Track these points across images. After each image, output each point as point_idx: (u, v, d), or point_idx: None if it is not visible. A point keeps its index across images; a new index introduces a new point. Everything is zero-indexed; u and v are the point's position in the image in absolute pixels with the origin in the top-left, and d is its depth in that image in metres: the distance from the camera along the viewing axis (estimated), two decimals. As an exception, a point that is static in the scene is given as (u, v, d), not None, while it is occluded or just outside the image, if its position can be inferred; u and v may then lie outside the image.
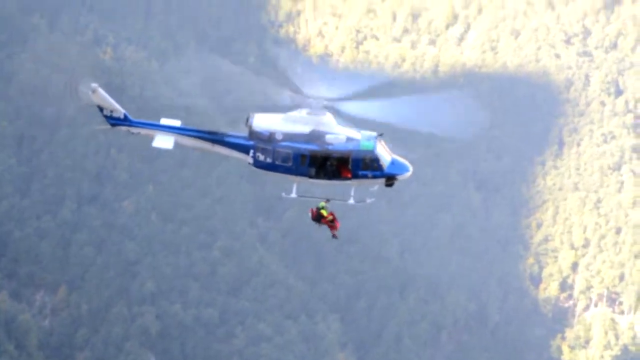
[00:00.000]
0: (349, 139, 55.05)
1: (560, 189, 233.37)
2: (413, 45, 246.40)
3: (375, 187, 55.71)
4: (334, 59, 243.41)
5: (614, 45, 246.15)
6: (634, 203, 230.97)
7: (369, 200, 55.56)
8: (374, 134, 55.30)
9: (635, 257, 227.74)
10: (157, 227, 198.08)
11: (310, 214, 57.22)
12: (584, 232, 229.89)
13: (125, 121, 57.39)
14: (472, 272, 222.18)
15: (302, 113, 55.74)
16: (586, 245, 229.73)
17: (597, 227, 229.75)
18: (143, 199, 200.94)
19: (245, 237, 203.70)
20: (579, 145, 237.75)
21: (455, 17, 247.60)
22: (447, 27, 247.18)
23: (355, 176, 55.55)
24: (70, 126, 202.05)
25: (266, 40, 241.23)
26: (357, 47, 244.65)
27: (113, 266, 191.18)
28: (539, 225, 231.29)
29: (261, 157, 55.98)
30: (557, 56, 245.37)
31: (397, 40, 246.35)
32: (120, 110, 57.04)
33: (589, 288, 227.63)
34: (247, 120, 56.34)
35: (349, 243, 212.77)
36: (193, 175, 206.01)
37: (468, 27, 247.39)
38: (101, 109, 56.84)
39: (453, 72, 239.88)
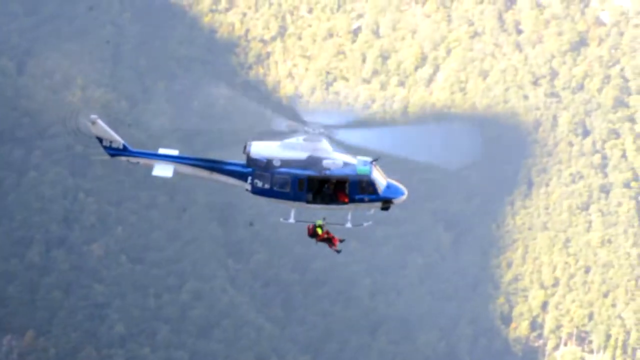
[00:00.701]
0: (345, 164, 56.15)
1: (529, 229, 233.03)
2: (382, 86, 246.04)
3: (372, 211, 56.75)
4: (304, 100, 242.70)
5: (581, 87, 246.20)
6: (603, 242, 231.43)
7: (365, 224, 56.31)
8: (369, 159, 56.47)
9: (604, 296, 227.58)
10: (126, 270, 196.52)
11: (307, 230, 57.75)
12: (554, 271, 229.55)
13: (124, 151, 57.85)
14: (443, 313, 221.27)
15: (298, 140, 56.63)
16: (556, 284, 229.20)
17: (567, 266, 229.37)
18: (112, 241, 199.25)
19: (215, 279, 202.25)
20: (547, 185, 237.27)
21: (424, 58, 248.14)
22: (416, 68, 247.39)
23: (352, 200, 56.28)
24: (38, 169, 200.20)
25: (235, 83, 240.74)
26: (327, 89, 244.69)
27: (81, 309, 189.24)
28: (509, 265, 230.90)
29: (259, 184, 56.60)
30: (526, 97, 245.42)
31: (367, 81, 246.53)
32: (119, 141, 57.61)
33: (558, 327, 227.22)
34: (245, 147, 57.12)
35: (319, 284, 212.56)
36: (163, 217, 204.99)
37: (437, 68, 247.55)
38: (100, 140, 57.43)
39: (423, 112, 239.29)
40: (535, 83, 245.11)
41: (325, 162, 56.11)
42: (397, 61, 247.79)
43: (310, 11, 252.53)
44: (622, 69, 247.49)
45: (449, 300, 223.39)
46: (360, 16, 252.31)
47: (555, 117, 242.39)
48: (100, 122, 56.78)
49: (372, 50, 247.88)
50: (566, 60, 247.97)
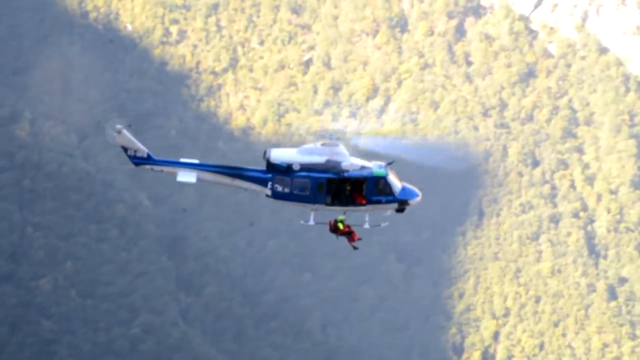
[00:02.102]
0: (362, 167, 57.64)
1: (480, 259, 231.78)
2: (334, 118, 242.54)
3: (388, 213, 58.16)
4: (256, 131, 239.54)
5: (530, 117, 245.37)
6: (553, 272, 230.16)
7: (383, 224, 57.66)
8: (384, 162, 58.07)
9: (555, 325, 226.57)
10: (76, 304, 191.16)
11: (328, 226, 58.86)
12: (505, 301, 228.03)
13: (148, 160, 58.62)
14: (395, 344, 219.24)
15: (316, 145, 57.92)
16: (507, 314, 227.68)
17: (517, 296, 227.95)
18: (61, 276, 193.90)
19: (165, 312, 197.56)
20: (498, 215, 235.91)
21: (376, 89, 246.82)
22: (368, 100, 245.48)
23: (370, 202, 57.60)
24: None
25: (187, 114, 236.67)
26: (278, 120, 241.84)
27: (29, 346, 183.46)
28: (460, 295, 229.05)
29: (279, 188, 57.61)
30: (476, 128, 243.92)
31: (319, 112, 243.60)
32: (143, 150, 58.31)
33: (510, 357, 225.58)
34: (265, 154, 58.14)
35: (271, 317, 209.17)
36: (112, 250, 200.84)
37: (388, 99, 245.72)
38: (125, 149, 58.08)
39: (374, 144, 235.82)
40: (485, 114, 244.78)
41: (343, 165, 57.46)
42: (349, 92, 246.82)
43: (261, 43, 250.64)
44: (570, 100, 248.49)
45: (401, 331, 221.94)
46: (311, 48, 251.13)
47: (505, 148, 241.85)
48: (125, 131, 57.31)
49: (324, 82, 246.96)
50: (515, 91, 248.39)
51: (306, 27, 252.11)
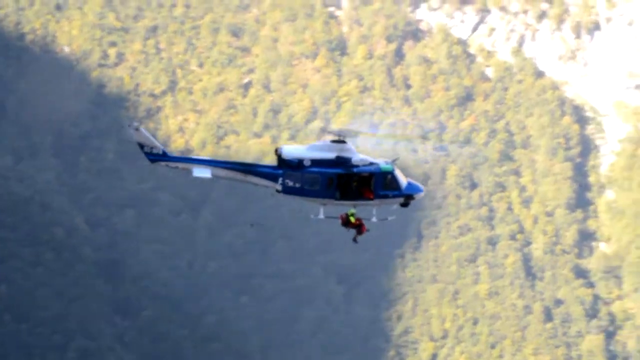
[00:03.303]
0: (370, 163, 59.13)
1: (419, 281, 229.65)
2: (274, 140, 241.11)
3: (394, 207, 59.83)
4: (195, 154, 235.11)
5: (468, 140, 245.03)
6: (490, 294, 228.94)
7: (390, 218, 59.33)
8: (389, 160, 59.70)
9: (492, 347, 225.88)
10: (10, 329, 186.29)
11: (340, 220, 59.73)
12: (443, 323, 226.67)
13: (164, 157, 59.61)
14: None
15: (326, 142, 59.45)
16: (445, 336, 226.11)
17: (455, 318, 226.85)
18: None
19: (102, 337, 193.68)
20: (436, 237, 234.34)
21: (315, 112, 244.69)
22: (307, 122, 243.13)
23: (377, 196, 59.11)
24: None
25: (125, 137, 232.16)
26: (217, 143, 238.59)
27: None
28: (399, 318, 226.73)
29: (290, 183, 58.91)
30: (414, 151, 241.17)
31: (258, 135, 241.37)
32: (159, 147, 59.39)
33: None
34: (277, 151, 59.14)
35: (210, 340, 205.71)
36: (48, 274, 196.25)
37: (328, 122, 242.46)
38: (142, 146, 59.36)
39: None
40: (424, 137, 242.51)
41: (354, 160, 58.76)
42: (288, 115, 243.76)
43: (200, 65, 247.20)
44: (507, 123, 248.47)
45: (341, 353, 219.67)
46: (250, 71, 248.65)
47: (443, 171, 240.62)
48: (142, 129, 59.00)
49: (263, 104, 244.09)
50: (453, 114, 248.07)
51: (246, 50, 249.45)
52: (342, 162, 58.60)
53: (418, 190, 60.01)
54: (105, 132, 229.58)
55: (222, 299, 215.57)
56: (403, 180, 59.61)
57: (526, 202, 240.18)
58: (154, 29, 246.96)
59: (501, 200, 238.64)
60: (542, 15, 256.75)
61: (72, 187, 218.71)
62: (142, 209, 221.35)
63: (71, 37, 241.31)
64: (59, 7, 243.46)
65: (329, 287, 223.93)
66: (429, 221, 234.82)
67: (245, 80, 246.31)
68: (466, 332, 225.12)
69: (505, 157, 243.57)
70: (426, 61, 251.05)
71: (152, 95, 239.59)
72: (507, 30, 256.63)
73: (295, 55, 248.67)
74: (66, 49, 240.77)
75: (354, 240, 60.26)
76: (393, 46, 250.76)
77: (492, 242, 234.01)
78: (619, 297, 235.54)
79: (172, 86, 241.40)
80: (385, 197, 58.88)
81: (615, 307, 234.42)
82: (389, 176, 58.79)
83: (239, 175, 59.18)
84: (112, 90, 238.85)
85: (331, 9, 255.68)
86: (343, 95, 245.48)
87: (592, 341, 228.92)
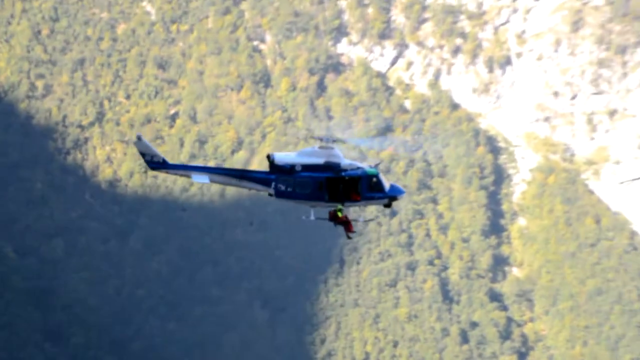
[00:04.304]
0: (357, 167, 61.99)
1: (341, 306, 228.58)
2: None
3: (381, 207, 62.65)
4: (123, 184, 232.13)
5: (388, 170, 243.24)
6: (409, 317, 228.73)
7: (375, 219, 57.15)
8: (373, 164, 62.61)
9: None
10: None
11: (328, 215, 61.72)
12: (364, 346, 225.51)
13: (164, 165, 61.10)
14: None
15: (314, 148, 61.78)
16: (366, 359, 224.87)
17: (376, 341, 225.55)
18: None
19: None
20: (358, 263, 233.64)
21: (240, 142, 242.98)
22: (233, 152, 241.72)
23: (364, 198, 61.89)
24: None
25: (54, 167, 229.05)
26: (145, 172, 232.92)
27: None
28: (322, 341, 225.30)
29: (282, 187, 60.57)
30: None
31: None
32: (159, 156, 60.90)
33: None
34: (269, 157, 61.05)
35: None
36: None
37: (253, 152, 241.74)
38: (143, 155, 60.71)
39: (239, 195, 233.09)
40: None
41: (341, 165, 61.63)
42: (214, 145, 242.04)
43: (128, 97, 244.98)
44: (424, 153, 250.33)
45: None
46: (177, 102, 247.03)
47: None
48: (144, 139, 60.79)
49: (190, 135, 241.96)
50: (374, 145, 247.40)
51: (172, 82, 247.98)
52: (330, 166, 61.25)
53: (400, 192, 62.95)
54: (34, 162, 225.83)
55: (150, 325, 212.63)
56: (386, 183, 62.59)
57: (443, 229, 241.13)
58: (81, 62, 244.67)
59: (419, 227, 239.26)
60: (456, 50, 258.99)
61: (0, 217, 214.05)
62: (71, 237, 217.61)
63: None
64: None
65: (253, 312, 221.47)
66: (351, 247, 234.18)
67: (172, 112, 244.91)
68: (387, 355, 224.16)
69: (423, 185, 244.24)
70: (347, 93, 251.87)
71: (80, 126, 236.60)
72: (424, 64, 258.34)
73: (221, 87, 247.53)
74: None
75: (347, 236, 62.23)
76: (315, 79, 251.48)
77: (411, 267, 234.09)
78: (531, 320, 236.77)
79: (100, 117, 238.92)
80: (371, 198, 61.90)
81: (528, 328, 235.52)
82: (374, 179, 61.77)
83: (234, 180, 61.11)
84: (40, 122, 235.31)
85: (255, 42, 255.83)
86: (267, 126, 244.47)
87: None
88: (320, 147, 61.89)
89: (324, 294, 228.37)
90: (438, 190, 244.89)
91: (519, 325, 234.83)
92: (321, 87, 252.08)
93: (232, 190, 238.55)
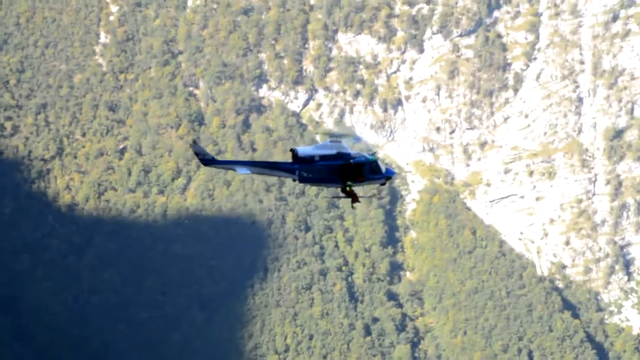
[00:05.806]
0: (360, 155, 65.65)
1: (266, 306, 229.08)
2: (145, 195, 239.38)
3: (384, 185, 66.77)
4: (80, 207, 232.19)
5: (302, 193, 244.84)
6: (322, 315, 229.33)
7: (378, 195, 64.89)
8: (371, 152, 66.68)
9: (324, 358, 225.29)
10: None
11: (340, 190, 65.92)
12: (285, 339, 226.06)
13: (213, 161, 64.80)
14: None
15: (327, 142, 66.01)
16: (287, 350, 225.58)
17: (295, 335, 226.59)
18: None
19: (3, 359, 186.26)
20: (279, 270, 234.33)
21: (179, 171, 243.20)
22: (173, 179, 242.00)
23: (367, 179, 65.82)
24: None
25: (21, 194, 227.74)
26: (99, 197, 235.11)
27: None
28: (250, 336, 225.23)
29: (305, 174, 64.71)
30: (261, 201, 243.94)
31: (133, 190, 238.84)
32: (210, 155, 64.64)
33: None
34: (292, 151, 65.05)
35: None
36: None
37: (190, 179, 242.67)
38: (197, 154, 64.33)
39: (179, 215, 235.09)
40: (267, 190, 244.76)
41: (352, 154, 65.34)
42: (157, 174, 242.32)
43: (84, 135, 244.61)
44: None
45: None
46: (125, 138, 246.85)
47: (284, 217, 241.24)
48: (198, 143, 64.39)
49: (136, 166, 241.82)
50: None
51: (121, 122, 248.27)
52: (341, 156, 65.43)
53: (392, 173, 67.40)
54: (3, 191, 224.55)
55: (103, 327, 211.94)
56: (383, 167, 67.10)
57: (349, 241, 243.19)
58: (44, 106, 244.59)
59: (330, 239, 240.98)
60: (357, 94, 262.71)
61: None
62: (36, 253, 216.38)
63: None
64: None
65: (193, 313, 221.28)
66: (273, 257, 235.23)
67: (121, 146, 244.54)
68: (304, 346, 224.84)
69: (332, 205, 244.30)
70: (268, 130, 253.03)
71: (43, 159, 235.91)
72: (330, 105, 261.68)
73: (162, 126, 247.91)
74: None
75: (352, 206, 67.00)
76: (241, 118, 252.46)
77: (323, 273, 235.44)
78: (422, 315, 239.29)
79: (60, 152, 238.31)
80: (373, 179, 66.21)
81: (419, 322, 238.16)
82: (374, 164, 66.00)
83: (266, 170, 65.96)
84: (8, 156, 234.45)
85: (191, 88, 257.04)
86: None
87: (402, 350, 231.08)
88: (331, 141, 65.86)
89: (251, 297, 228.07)
90: (344, 208, 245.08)
91: (412, 320, 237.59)
92: (246, 124, 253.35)
93: (173, 211, 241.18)
